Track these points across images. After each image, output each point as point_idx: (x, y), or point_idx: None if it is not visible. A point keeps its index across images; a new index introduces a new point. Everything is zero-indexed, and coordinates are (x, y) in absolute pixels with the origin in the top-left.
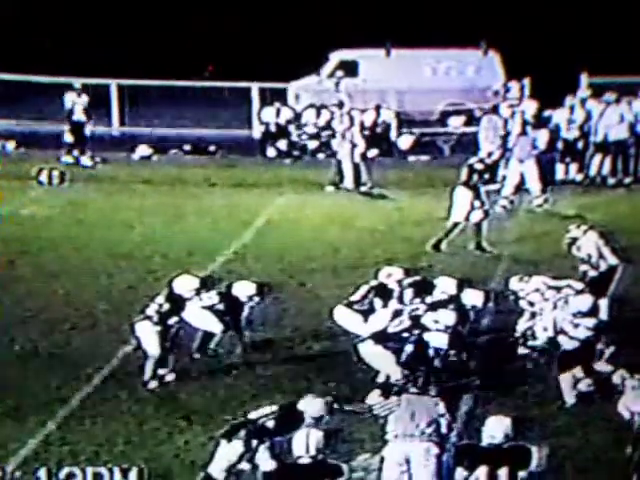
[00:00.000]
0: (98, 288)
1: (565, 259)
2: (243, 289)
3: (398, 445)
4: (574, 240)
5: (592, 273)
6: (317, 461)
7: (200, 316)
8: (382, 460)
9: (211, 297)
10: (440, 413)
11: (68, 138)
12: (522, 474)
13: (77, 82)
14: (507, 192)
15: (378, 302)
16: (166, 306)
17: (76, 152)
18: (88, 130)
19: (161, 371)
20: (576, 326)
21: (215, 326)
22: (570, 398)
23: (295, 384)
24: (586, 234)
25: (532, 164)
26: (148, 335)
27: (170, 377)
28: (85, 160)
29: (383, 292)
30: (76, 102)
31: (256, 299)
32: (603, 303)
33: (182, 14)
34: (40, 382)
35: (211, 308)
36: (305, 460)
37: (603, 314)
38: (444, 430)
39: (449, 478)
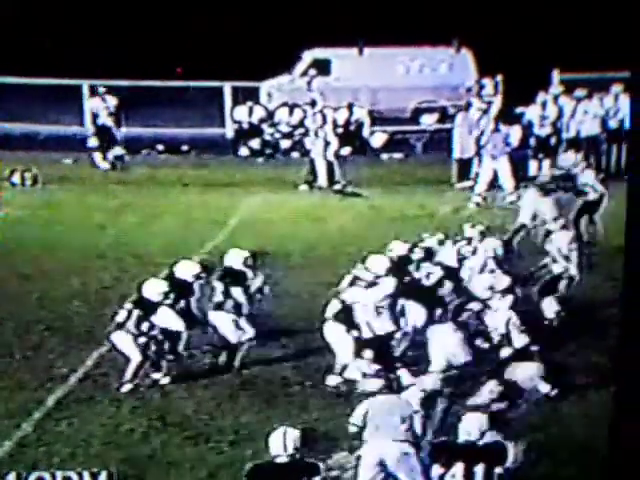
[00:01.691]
0: (72, 289)
1: (539, 255)
2: (187, 269)
3: (374, 444)
4: (549, 233)
5: (555, 269)
6: (294, 460)
7: (163, 316)
8: (359, 459)
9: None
10: (414, 412)
11: (93, 143)
12: (498, 470)
13: (101, 87)
14: (480, 189)
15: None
16: (136, 312)
17: (98, 154)
18: (117, 132)
19: (156, 375)
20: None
21: (177, 324)
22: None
23: (271, 384)
24: (562, 230)
25: (505, 161)
26: (125, 343)
27: (165, 380)
28: (105, 164)
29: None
30: (100, 107)
31: (203, 275)
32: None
33: (153, 13)
34: (15, 384)
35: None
36: (282, 459)
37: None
38: (418, 429)
39: (425, 476)
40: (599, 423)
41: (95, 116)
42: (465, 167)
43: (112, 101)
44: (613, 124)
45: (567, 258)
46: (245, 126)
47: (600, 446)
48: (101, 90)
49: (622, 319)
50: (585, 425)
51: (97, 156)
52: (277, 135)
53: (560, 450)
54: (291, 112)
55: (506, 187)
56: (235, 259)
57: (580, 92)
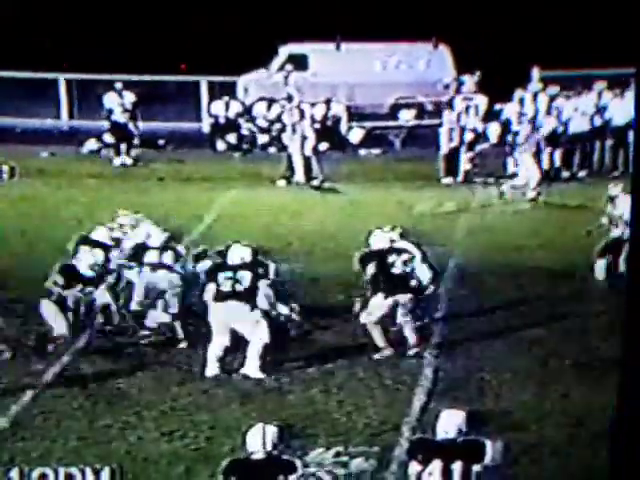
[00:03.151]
0: None
1: (519, 252)
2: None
3: None
4: (612, 198)
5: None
6: (271, 456)
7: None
8: (337, 455)
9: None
10: None
11: (108, 139)
12: (476, 468)
13: (118, 83)
14: (519, 181)
15: None
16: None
17: (120, 151)
18: (133, 128)
19: None
20: None
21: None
22: None
23: (247, 379)
24: (625, 193)
25: (532, 158)
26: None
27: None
28: (126, 159)
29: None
30: (117, 102)
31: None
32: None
33: (130, 7)
34: None
35: None
36: (259, 455)
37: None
38: None
39: None
40: (580, 423)
41: (110, 112)
42: (452, 163)
43: (129, 97)
44: (598, 121)
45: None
46: (221, 121)
47: (580, 446)
48: (118, 86)
49: (626, 319)
50: (566, 425)
51: (112, 152)
52: (254, 130)
53: (539, 450)
54: (269, 107)
55: (531, 182)
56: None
57: (554, 89)
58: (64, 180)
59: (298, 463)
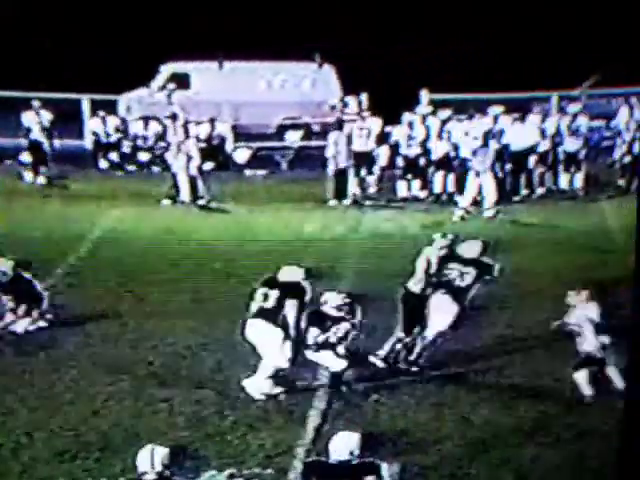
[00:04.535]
0: None
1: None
2: None
3: None
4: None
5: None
6: (162, 477)
7: None
8: (231, 477)
9: None
10: None
11: (25, 158)
12: None
13: (35, 101)
14: (465, 203)
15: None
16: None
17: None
18: (47, 147)
19: None
20: None
21: None
22: None
23: (136, 399)
24: None
25: (489, 176)
26: None
27: None
28: (40, 179)
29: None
30: (34, 121)
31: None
32: None
33: (17, 22)
34: None
35: None
36: (150, 477)
37: None
38: None
39: None
40: (479, 443)
41: (28, 130)
42: (342, 184)
43: (46, 116)
44: (494, 146)
45: None
46: (103, 139)
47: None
48: (36, 104)
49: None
50: (464, 445)
51: (27, 173)
52: (137, 149)
53: (437, 472)
54: (151, 125)
55: (487, 201)
56: None
57: (445, 113)
58: None
59: None
